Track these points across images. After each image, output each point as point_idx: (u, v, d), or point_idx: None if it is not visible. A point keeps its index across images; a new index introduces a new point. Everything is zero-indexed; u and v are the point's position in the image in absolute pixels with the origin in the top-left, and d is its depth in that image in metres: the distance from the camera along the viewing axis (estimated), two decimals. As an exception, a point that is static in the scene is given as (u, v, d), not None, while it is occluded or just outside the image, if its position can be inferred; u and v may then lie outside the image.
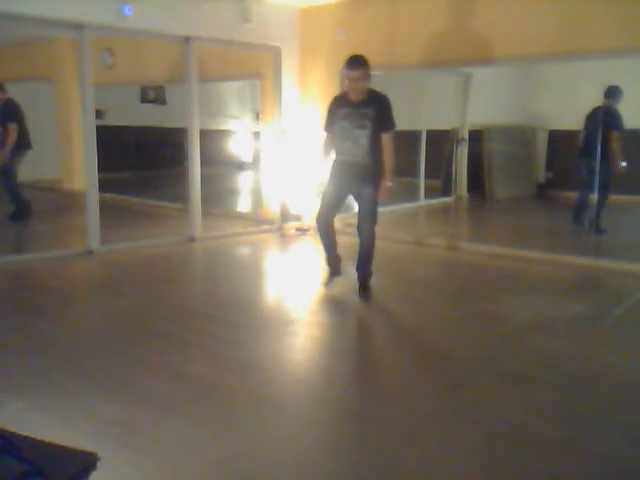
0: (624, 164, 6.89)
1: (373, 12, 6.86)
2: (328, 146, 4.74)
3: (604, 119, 6.85)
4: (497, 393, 3.14)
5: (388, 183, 4.57)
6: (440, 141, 9.81)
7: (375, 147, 4.51)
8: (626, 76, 7.32)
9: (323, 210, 4.73)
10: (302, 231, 7.26)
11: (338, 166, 4.68)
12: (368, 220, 4.66)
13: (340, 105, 4.59)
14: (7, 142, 7.08)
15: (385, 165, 4.54)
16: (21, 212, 7.50)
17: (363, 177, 4.56)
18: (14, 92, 7.52)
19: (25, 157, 7.47)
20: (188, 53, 6.58)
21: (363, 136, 4.48)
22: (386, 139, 4.52)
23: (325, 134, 4.76)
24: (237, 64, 7.99)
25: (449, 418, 2.87)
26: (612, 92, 6.88)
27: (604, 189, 6.99)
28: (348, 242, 6.69)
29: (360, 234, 4.75)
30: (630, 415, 2.94)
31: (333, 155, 4.77)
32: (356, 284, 4.80)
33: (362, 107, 4.47)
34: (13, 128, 7.09)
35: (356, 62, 4.42)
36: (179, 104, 7.07)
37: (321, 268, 5.17)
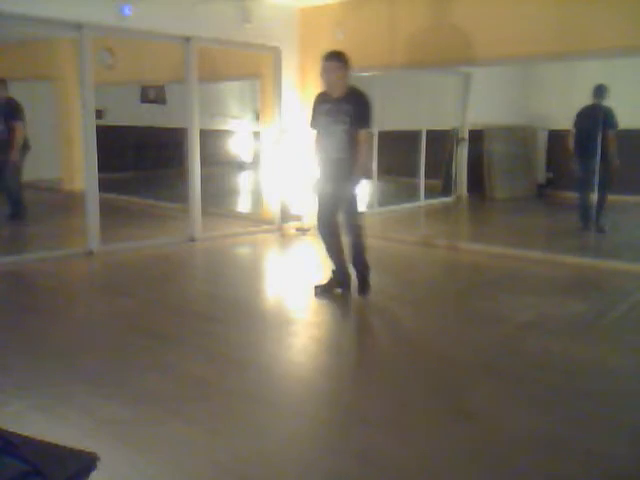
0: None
1: (373, 12, 6.86)
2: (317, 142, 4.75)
3: (598, 118, 6.86)
4: (497, 393, 3.14)
5: (361, 177, 4.59)
6: (440, 141, 9.80)
7: (353, 144, 4.50)
8: (626, 76, 7.31)
9: (322, 213, 4.67)
10: (302, 231, 7.25)
11: (323, 163, 4.69)
12: (351, 216, 4.67)
13: (322, 101, 4.65)
14: (16, 140, 7.08)
15: (358, 160, 4.52)
16: (18, 213, 7.49)
17: (342, 173, 4.55)
18: (14, 92, 7.51)
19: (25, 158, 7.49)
20: (188, 53, 6.58)
21: (342, 132, 4.49)
22: (361, 135, 4.50)
23: (313, 130, 4.76)
24: (237, 64, 7.98)
25: (449, 418, 2.87)
26: (602, 90, 6.89)
27: (605, 188, 6.99)
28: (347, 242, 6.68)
29: (347, 232, 4.76)
30: (630, 415, 2.94)
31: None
32: (355, 281, 4.79)
33: (341, 103, 4.51)
34: (19, 126, 7.09)
35: (331, 54, 4.55)
36: (179, 104, 7.07)
37: (324, 273, 5.07)
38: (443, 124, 9.89)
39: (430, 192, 9.51)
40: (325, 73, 4.52)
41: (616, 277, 5.43)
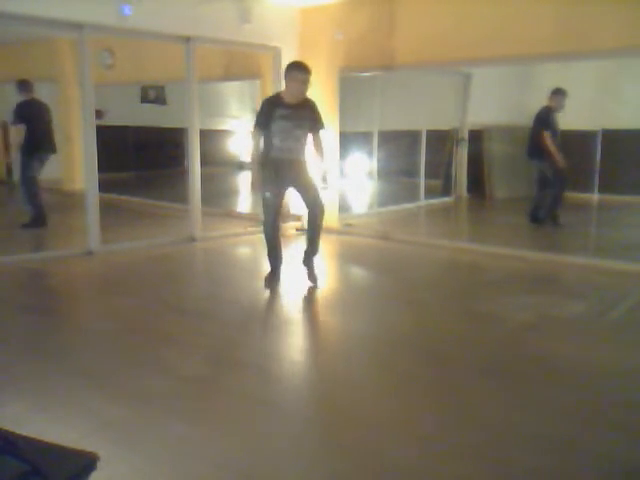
0: None
1: (373, 12, 6.86)
2: (259, 142, 4.95)
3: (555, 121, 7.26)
4: (496, 393, 3.14)
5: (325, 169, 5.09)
6: (440, 141, 9.80)
7: (307, 145, 5.00)
8: (625, 76, 7.32)
9: (272, 216, 5.02)
10: (302, 231, 7.25)
11: (277, 164, 4.90)
12: (318, 202, 4.97)
13: (277, 105, 4.88)
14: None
15: (321, 160, 5.06)
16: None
17: (302, 170, 4.97)
18: (13, 92, 7.52)
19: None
20: (188, 53, 6.58)
21: (302, 135, 4.92)
22: (317, 137, 5.01)
23: (256, 131, 4.94)
24: (237, 64, 7.99)
25: (448, 418, 2.87)
26: (564, 94, 7.14)
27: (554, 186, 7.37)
28: (347, 242, 6.70)
29: (312, 218, 5.04)
30: (629, 414, 2.94)
31: (265, 152, 4.93)
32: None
33: (299, 109, 4.88)
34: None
35: (307, 68, 4.83)
36: (179, 104, 7.07)
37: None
38: (443, 124, 9.89)
39: (430, 192, 9.51)
40: (302, 85, 4.83)
41: (616, 277, 5.43)
